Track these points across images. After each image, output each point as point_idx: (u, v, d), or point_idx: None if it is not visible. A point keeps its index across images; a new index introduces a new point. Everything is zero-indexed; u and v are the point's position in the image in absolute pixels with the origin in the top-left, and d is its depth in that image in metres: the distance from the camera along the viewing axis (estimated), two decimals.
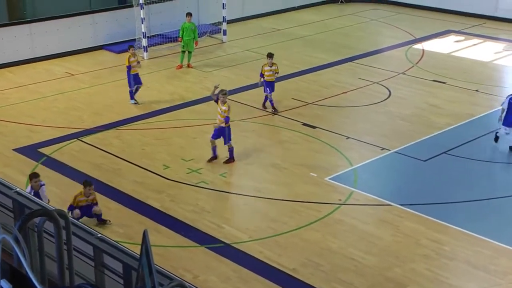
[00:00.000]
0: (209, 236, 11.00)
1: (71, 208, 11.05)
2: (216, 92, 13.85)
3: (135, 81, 16.82)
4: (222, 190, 12.62)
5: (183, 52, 19.76)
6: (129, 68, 16.60)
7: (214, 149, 13.67)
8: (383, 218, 11.66)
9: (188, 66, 19.79)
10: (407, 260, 10.44)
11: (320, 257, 10.48)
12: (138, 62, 16.89)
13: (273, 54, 16.43)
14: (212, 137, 13.65)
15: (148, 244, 3.77)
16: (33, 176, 10.78)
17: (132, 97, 16.83)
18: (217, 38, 22.85)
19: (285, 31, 24.23)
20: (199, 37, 22.41)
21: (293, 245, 10.78)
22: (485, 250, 10.72)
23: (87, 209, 11.18)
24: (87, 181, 11.36)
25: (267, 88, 16.24)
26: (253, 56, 20.96)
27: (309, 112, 16.32)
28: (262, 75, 16.34)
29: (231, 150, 13.67)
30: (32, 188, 10.62)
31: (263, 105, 16.49)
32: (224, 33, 22.69)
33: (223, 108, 13.54)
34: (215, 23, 23.36)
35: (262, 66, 16.40)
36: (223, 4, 22.38)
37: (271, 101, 16.32)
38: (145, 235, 3.75)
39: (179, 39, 19.87)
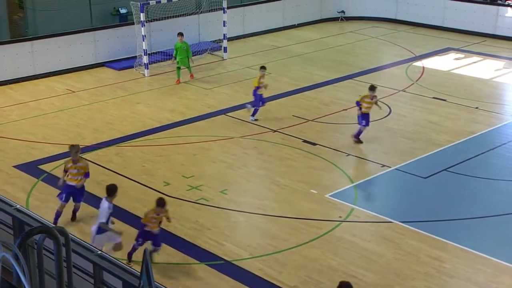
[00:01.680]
0: (209, 253, 10.97)
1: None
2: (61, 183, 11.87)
3: (261, 100, 16.72)
4: (223, 207, 12.60)
5: (179, 68, 19.91)
6: (257, 88, 16.54)
7: (58, 214, 11.70)
8: (384, 235, 11.63)
9: (191, 76, 20.07)
10: (408, 277, 10.39)
11: (320, 274, 10.44)
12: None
13: (376, 87, 15.47)
14: (64, 200, 11.70)
15: (149, 263, 3.76)
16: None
17: (253, 114, 16.78)
18: (217, 55, 22.95)
19: (285, 48, 24.34)
20: (200, 54, 22.60)
21: (293, 262, 10.75)
22: (486, 268, 10.68)
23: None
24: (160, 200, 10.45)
25: (363, 121, 15.26)
26: (253, 74, 20.98)
27: (310, 129, 16.35)
28: (358, 104, 15.29)
29: (76, 210, 12.01)
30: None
31: (356, 136, 15.39)
32: (225, 50, 22.79)
33: (79, 164, 11.67)
34: (215, 40, 23.49)
35: (362, 97, 15.32)
36: (224, 22, 22.50)
37: (360, 132, 15.41)
38: (145, 254, 3.74)
39: (173, 59, 19.92)
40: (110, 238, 10.39)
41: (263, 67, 17.02)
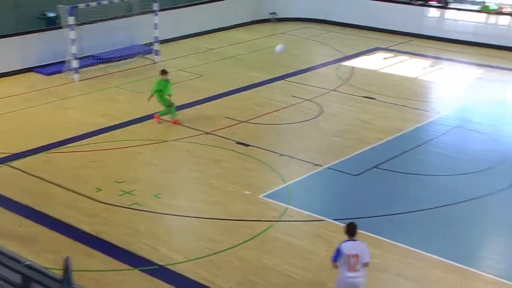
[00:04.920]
0: (144, 259, 10.86)
1: None
2: None
3: None
4: (157, 211, 12.51)
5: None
6: None
7: None
8: (318, 234, 11.79)
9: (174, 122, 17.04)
10: None
11: (256, 275, 10.50)
12: None
13: None
14: None
15: (70, 271, 3.72)
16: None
17: None
18: (149, 59, 22.74)
19: (218, 50, 24.38)
20: (132, 57, 22.36)
21: (228, 264, 10.77)
22: (417, 262, 10.96)
23: None
24: None
25: None
26: (187, 76, 20.97)
27: (243, 131, 16.42)
28: None
29: None
30: None
31: None
32: (156, 53, 22.62)
33: None
34: (148, 43, 23.27)
35: None
36: (155, 24, 22.33)
37: None
38: (66, 262, 3.70)
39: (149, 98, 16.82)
40: None
41: None
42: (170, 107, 16.92)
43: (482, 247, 11.72)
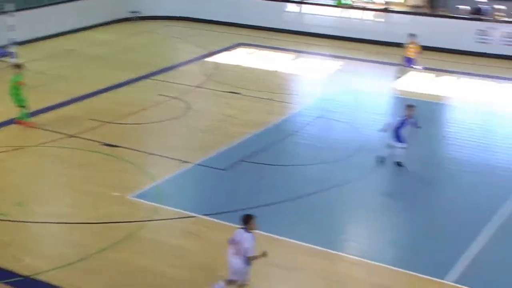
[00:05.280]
0: (7, 271, 10.36)
1: None
2: None
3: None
4: (20, 220, 11.99)
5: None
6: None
7: None
8: (190, 230, 11.84)
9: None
10: (215, 269, 10.65)
11: (129, 277, 10.37)
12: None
13: (414, 34, 20.86)
14: None
15: None
16: None
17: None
18: (5, 62, 21.67)
19: (80, 50, 23.75)
20: None
21: (99, 268, 10.55)
22: (285, 249, 11.31)
23: None
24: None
25: (408, 62, 20.87)
26: (46, 78, 20.23)
27: (109, 132, 16.12)
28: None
29: None
30: None
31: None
32: (13, 55, 21.61)
33: None
34: (3, 45, 22.16)
35: (406, 48, 20.80)
36: (11, 26, 21.33)
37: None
38: None
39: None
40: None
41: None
42: (22, 107, 16.29)
43: (345, 231, 12.31)
